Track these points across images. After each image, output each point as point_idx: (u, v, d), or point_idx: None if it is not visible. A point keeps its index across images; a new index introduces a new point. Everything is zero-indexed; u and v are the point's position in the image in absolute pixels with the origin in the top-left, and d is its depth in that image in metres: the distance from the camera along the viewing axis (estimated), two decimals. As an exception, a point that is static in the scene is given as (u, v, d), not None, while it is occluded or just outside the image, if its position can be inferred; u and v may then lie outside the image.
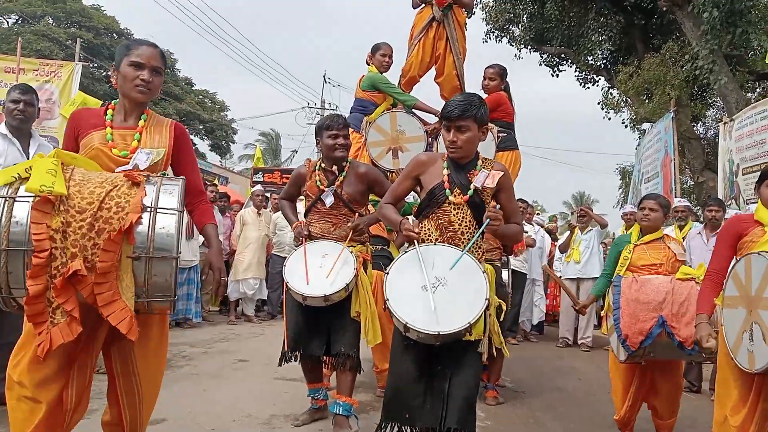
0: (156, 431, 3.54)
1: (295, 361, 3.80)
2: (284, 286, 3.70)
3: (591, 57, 16.22)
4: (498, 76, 5.12)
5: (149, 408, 2.47)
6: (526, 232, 6.98)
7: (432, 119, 5.23)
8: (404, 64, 5.49)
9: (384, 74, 5.18)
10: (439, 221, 2.75)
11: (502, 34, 17.10)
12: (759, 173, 3.09)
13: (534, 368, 6.41)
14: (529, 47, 16.95)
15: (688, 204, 6.97)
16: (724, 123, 8.69)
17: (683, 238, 5.75)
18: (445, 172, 2.77)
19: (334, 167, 3.81)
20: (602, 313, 4.27)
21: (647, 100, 13.73)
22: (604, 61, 16.64)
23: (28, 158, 3.67)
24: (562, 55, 17.06)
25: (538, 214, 10.42)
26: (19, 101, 3.79)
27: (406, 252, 2.74)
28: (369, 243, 4.03)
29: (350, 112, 5.37)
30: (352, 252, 3.66)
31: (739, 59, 12.15)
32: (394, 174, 5.05)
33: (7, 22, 26.03)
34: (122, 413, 2.36)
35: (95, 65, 24.01)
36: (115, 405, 2.38)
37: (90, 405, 2.43)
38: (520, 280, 7.84)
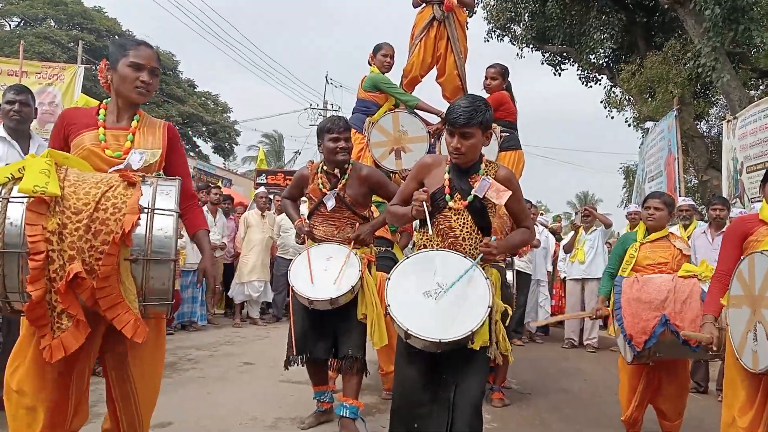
0: (161, 435, 3.54)
1: (301, 364, 3.80)
2: (289, 288, 3.70)
3: (593, 55, 16.20)
4: (499, 75, 5.11)
5: (147, 413, 2.40)
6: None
7: (434, 119, 5.22)
8: (405, 65, 5.48)
9: (386, 75, 5.18)
10: (440, 227, 2.72)
11: (504, 33, 17.09)
12: (763, 171, 3.08)
13: (539, 369, 6.39)
14: (531, 46, 16.94)
15: (693, 203, 6.95)
16: (728, 121, 8.65)
17: (688, 238, 5.73)
18: (447, 176, 2.74)
19: (336, 170, 3.78)
20: (607, 310, 4.24)
21: (650, 99, 13.71)
22: (606, 59, 16.63)
23: None
24: (564, 54, 17.05)
25: (541, 214, 10.39)
26: (14, 102, 3.74)
27: (407, 258, 2.71)
28: (373, 244, 4.02)
29: (352, 113, 5.37)
30: (356, 254, 3.66)
31: (741, 56, 12.12)
32: (397, 175, 5.04)
33: (9, 25, 26.08)
34: (119, 420, 2.33)
35: (97, 67, 24.05)
36: (112, 412, 2.34)
37: (96, 409, 2.42)
38: (524, 281, 7.82)
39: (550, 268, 9.19)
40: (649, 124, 12.37)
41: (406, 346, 2.57)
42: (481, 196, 2.66)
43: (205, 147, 30.97)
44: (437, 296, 2.53)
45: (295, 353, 3.73)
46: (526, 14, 16.41)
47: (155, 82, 2.42)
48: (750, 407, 2.59)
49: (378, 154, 5.07)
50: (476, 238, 2.70)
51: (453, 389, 2.56)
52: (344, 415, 3.60)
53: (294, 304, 3.72)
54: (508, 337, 2.91)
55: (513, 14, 16.55)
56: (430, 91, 5.68)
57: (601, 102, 16.85)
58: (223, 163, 30.48)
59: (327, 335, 3.70)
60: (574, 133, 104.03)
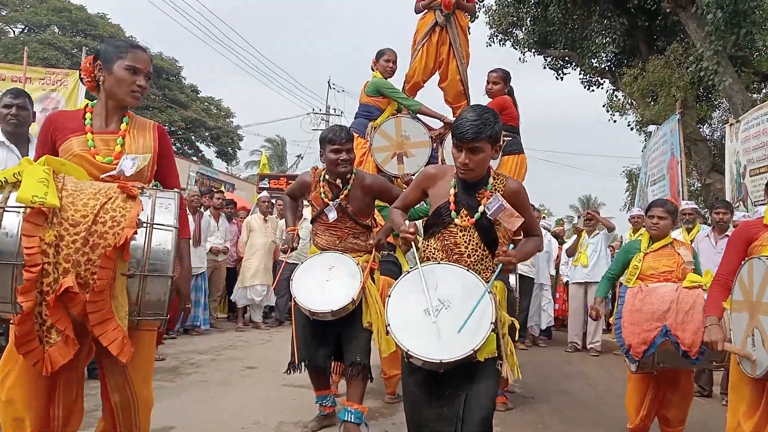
0: (164, 439, 3.54)
1: (302, 371, 3.80)
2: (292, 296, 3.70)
3: (595, 59, 16.19)
4: (501, 80, 5.12)
5: (146, 419, 2.34)
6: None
7: (437, 124, 5.24)
8: (408, 70, 5.50)
9: (388, 80, 5.20)
10: (445, 242, 2.61)
11: (506, 38, 17.10)
12: (766, 174, 3.08)
13: (543, 373, 6.38)
14: (533, 50, 16.95)
15: (696, 206, 6.94)
16: (730, 124, 8.65)
17: (691, 241, 5.72)
18: (452, 191, 2.62)
19: (338, 180, 3.75)
20: (610, 320, 4.25)
21: (652, 102, 13.70)
22: (609, 63, 16.61)
23: None
24: (566, 58, 17.06)
25: (544, 218, 10.40)
26: (11, 105, 3.72)
27: (408, 272, 2.61)
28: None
29: (355, 118, 5.39)
30: (358, 264, 3.65)
31: (744, 60, 12.11)
32: (399, 179, 5.05)
33: (14, 32, 26.25)
34: (117, 426, 2.27)
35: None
36: (109, 417, 2.29)
37: (98, 413, 2.41)
38: (527, 285, 7.82)
39: (553, 272, 9.19)
40: (651, 128, 12.36)
41: (410, 363, 2.48)
42: (491, 217, 2.54)
43: (208, 152, 31.13)
44: (438, 313, 2.43)
45: (297, 360, 3.73)
46: (528, 19, 16.43)
47: (148, 86, 2.39)
48: (754, 412, 2.58)
49: (380, 158, 5.08)
50: (482, 253, 2.58)
51: (462, 405, 2.44)
52: (348, 419, 3.59)
53: (296, 311, 3.72)
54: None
55: (515, 19, 16.56)
56: (432, 96, 5.70)
57: (604, 106, 16.87)
58: (226, 168, 30.61)
59: (328, 342, 3.69)
60: (577, 137, 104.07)
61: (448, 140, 5.03)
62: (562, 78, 17.55)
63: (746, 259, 2.73)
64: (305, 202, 4.25)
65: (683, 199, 8.08)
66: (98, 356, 2.17)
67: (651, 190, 10.54)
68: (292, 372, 3.80)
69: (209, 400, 4.48)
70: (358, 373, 3.60)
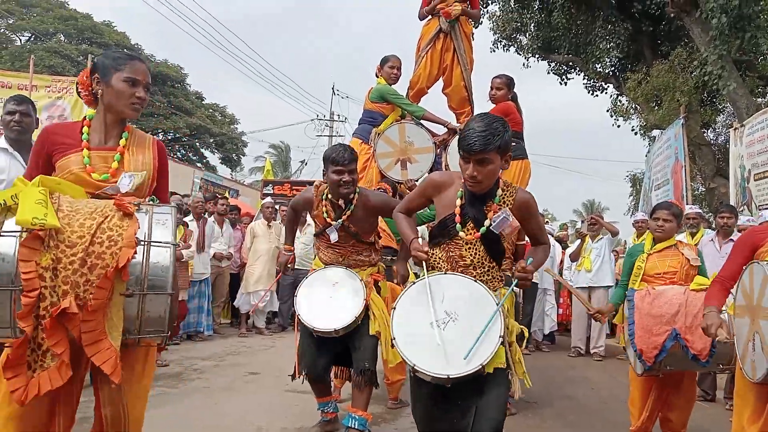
0: (168, 445, 3.55)
1: (303, 382, 3.81)
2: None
3: (599, 64, 16.21)
4: (505, 86, 5.12)
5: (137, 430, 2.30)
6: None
7: (440, 130, 5.25)
8: (412, 76, 5.52)
9: (393, 86, 5.21)
10: (450, 253, 2.54)
11: (510, 44, 17.14)
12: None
13: (546, 378, 6.36)
14: (537, 56, 16.97)
15: (700, 211, 6.92)
16: (735, 129, 8.63)
17: (695, 246, 5.69)
18: (458, 203, 2.53)
19: (341, 201, 3.67)
20: (615, 321, 4.24)
21: (656, 107, 13.68)
22: (613, 68, 16.62)
23: None
24: (570, 63, 17.06)
25: (547, 222, 10.38)
26: (14, 112, 3.71)
27: (413, 283, 2.53)
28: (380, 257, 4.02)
29: (359, 123, 5.41)
30: (362, 280, 3.65)
31: (748, 64, 12.10)
32: (402, 185, 5.06)
33: (20, 40, 26.42)
34: None
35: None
36: (98, 427, 2.24)
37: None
38: (531, 290, 7.80)
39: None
40: (655, 133, 12.34)
41: (416, 377, 2.42)
42: (496, 231, 2.47)
43: (213, 158, 31.24)
44: (445, 326, 2.36)
45: (297, 374, 3.75)
46: (532, 24, 16.46)
47: (148, 98, 2.35)
48: (759, 417, 2.58)
49: (384, 164, 5.10)
50: (488, 265, 2.52)
51: (471, 416, 2.40)
52: (352, 426, 3.59)
53: (300, 324, 3.72)
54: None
55: (519, 24, 16.60)
56: (436, 102, 5.72)
57: (608, 111, 16.84)
58: (231, 174, 30.69)
59: (329, 352, 3.70)
60: (581, 142, 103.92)
61: (452, 146, 5.06)
62: (566, 83, 17.58)
63: (748, 263, 2.73)
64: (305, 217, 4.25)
65: (687, 204, 8.06)
66: (93, 369, 2.13)
67: (655, 195, 10.51)
68: (294, 379, 3.82)
69: (212, 406, 4.48)
70: (366, 380, 3.60)
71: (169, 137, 28.46)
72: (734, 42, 9.99)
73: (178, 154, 29.19)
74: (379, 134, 5.12)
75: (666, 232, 3.85)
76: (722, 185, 11.46)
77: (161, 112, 25.78)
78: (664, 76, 12.75)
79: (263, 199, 11.29)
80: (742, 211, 7.47)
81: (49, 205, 1.91)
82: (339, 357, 3.80)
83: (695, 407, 3.86)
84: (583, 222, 11.91)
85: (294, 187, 17.74)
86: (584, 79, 17.21)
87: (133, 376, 2.17)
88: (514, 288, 2.52)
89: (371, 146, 5.14)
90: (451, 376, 2.27)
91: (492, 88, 5.19)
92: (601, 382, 6.36)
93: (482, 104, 8.32)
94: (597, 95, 17.42)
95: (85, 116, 2.35)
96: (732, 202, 8.00)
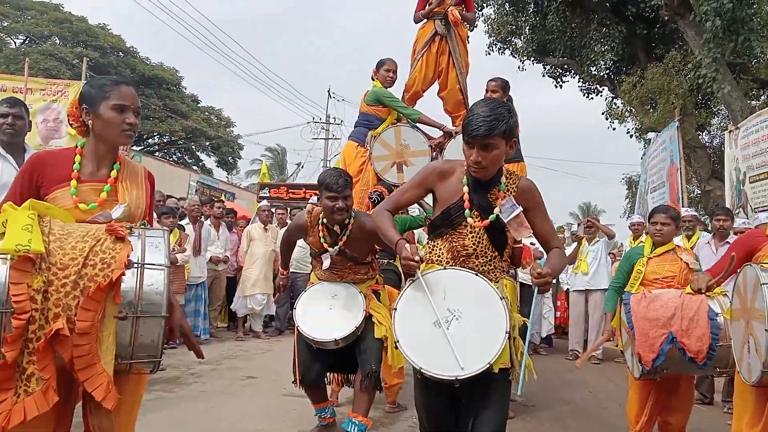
0: (164, 450, 3.53)
1: (300, 388, 3.80)
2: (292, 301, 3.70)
3: (594, 67, 16.25)
4: (500, 89, 5.13)
5: None
6: (533, 244, 6.96)
7: (436, 133, 5.25)
8: (407, 80, 5.52)
9: (389, 89, 5.22)
10: (453, 243, 2.45)
11: (505, 47, 17.19)
12: (766, 181, 3.14)
13: (543, 381, 6.34)
14: (532, 59, 17.03)
15: (695, 213, 6.95)
16: (729, 131, 8.67)
17: (691, 248, 5.71)
18: (465, 189, 2.45)
19: (336, 226, 3.62)
20: (612, 325, 4.23)
21: (651, 110, 13.74)
22: (607, 71, 16.67)
23: None
24: (565, 66, 17.13)
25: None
26: (7, 115, 3.65)
27: (412, 281, 2.44)
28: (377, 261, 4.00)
29: (355, 126, 5.41)
30: (361, 292, 3.64)
31: (742, 67, 12.16)
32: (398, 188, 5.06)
33: (15, 43, 26.36)
34: None
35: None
36: None
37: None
38: (528, 293, 7.78)
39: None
40: (650, 135, 12.38)
41: (421, 378, 2.36)
42: (505, 221, 2.41)
43: (209, 161, 31.22)
44: (449, 325, 2.29)
45: (297, 383, 3.73)
46: (527, 27, 16.51)
47: (139, 121, 2.29)
48: (758, 421, 2.59)
49: (380, 167, 5.10)
50: (490, 255, 2.45)
51: (473, 417, 2.36)
52: (352, 431, 3.57)
53: (298, 333, 3.70)
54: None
55: (514, 27, 16.65)
56: (431, 105, 5.72)
57: (603, 113, 16.91)
58: (227, 177, 30.68)
59: (324, 359, 3.69)
60: (576, 145, 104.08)
61: (448, 149, 5.06)
62: (561, 86, 17.63)
63: (742, 266, 2.75)
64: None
65: (683, 206, 8.08)
66: (84, 393, 2.07)
67: (651, 197, 10.54)
68: (295, 384, 3.80)
69: (209, 410, 4.46)
70: (371, 384, 3.58)
71: (165, 140, 28.44)
72: (728, 45, 10.04)
73: (174, 157, 29.16)
74: (375, 137, 5.12)
75: (665, 236, 3.86)
76: (717, 188, 11.50)
77: (157, 115, 25.75)
78: (659, 79, 12.80)
79: (259, 202, 11.29)
80: (737, 213, 7.49)
81: (35, 230, 1.87)
82: (335, 364, 3.79)
83: (693, 410, 3.86)
84: (579, 225, 11.91)
85: (290, 190, 17.77)
86: (579, 82, 17.26)
87: (125, 405, 2.10)
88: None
89: (367, 149, 5.14)
90: (459, 377, 2.21)
91: (487, 91, 5.20)
92: (599, 385, 6.37)
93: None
94: (592, 98, 17.48)
95: (77, 144, 2.30)
96: (727, 205, 8.03)
